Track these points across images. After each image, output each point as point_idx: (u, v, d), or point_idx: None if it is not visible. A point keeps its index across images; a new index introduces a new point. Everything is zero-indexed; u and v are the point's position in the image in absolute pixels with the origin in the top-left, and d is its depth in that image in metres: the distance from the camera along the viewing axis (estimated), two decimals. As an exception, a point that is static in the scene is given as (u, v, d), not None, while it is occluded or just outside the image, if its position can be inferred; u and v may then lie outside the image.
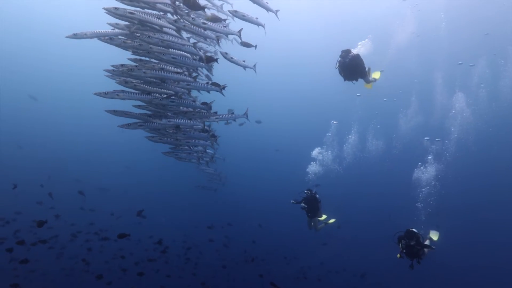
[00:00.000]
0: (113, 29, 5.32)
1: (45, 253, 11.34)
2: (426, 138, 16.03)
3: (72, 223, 11.93)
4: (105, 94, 5.16)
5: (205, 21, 5.20)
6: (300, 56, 31.00)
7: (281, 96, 33.01)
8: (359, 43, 8.39)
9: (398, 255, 7.27)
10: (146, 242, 13.07)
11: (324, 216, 8.88)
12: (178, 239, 14.74)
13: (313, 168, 14.12)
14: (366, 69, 7.47)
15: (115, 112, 5.40)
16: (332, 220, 9.05)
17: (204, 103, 6.52)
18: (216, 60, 6.03)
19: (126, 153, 22.58)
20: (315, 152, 14.59)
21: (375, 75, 7.94)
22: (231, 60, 6.17)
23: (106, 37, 5.28)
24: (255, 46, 6.16)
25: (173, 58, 5.29)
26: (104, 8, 4.67)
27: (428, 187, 11.44)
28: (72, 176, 15.78)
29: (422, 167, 12.14)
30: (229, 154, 11.68)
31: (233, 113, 6.52)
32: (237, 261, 14.51)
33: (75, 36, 5.23)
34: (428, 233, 7.77)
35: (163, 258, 12.25)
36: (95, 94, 5.16)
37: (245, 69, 6.55)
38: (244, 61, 6.36)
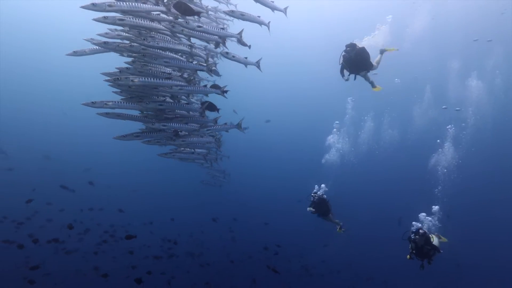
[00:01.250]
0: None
1: (56, 253, 11.63)
2: (443, 107, 15.50)
3: (81, 221, 12.15)
4: (93, 104, 5.02)
5: (200, 24, 4.95)
6: (304, 52, 30.29)
7: (287, 93, 32.38)
8: (378, 25, 8.10)
9: (408, 256, 7.11)
10: (151, 240, 13.26)
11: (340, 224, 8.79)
12: (184, 235, 14.86)
13: (328, 156, 13.94)
14: (380, 53, 7.30)
15: (107, 115, 5.30)
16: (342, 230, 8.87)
17: (204, 103, 6.28)
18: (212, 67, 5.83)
19: (123, 155, 22.43)
20: (333, 133, 14.31)
21: (376, 89, 7.72)
22: (232, 58, 5.90)
23: (101, 42, 5.15)
24: (249, 46, 5.87)
25: (166, 62, 5.08)
26: (94, 19, 4.54)
27: (445, 170, 11.19)
28: (74, 176, 15.85)
29: (439, 149, 11.85)
30: (234, 151, 11.55)
31: (228, 123, 6.31)
32: (241, 259, 14.60)
33: (75, 53, 5.30)
34: (437, 234, 7.53)
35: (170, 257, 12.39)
36: (83, 104, 5.02)
37: (246, 67, 6.26)
38: (246, 58, 6.07)
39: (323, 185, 8.51)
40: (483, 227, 17.80)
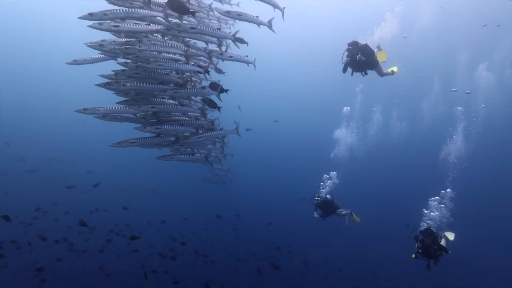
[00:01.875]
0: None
1: (71, 251, 11.85)
2: (453, 89, 15.21)
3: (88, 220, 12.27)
4: (85, 110, 4.99)
5: (194, 26, 4.83)
6: (309, 50, 29.77)
7: (295, 92, 31.91)
8: (387, 14, 7.91)
9: (413, 256, 7.00)
10: (155, 238, 13.39)
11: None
12: (188, 232, 14.98)
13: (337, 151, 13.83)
14: (375, 52, 7.08)
15: (104, 117, 5.28)
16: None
17: (204, 101, 6.15)
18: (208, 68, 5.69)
19: (123, 155, 22.39)
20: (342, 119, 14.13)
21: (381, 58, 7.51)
22: (229, 59, 5.77)
23: (96, 45, 5.09)
24: (247, 43, 5.73)
25: (160, 65, 4.99)
26: (89, 26, 4.50)
27: (456, 160, 11.03)
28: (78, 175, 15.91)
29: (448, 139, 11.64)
30: (240, 151, 11.49)
31: (231, 121, 6.18)
32: (245, 257, 14.66)
33: (75, 62, 5.33)
34: (443, 234, 7.39)
35: (172, 254, 12.50)
36: (76, 111, 5.01)
37: (248, 65, 6.11)
38: (246, 56, 5.92)
39: (332, 173, 8.39)
40: (491, 225, 17.45)
